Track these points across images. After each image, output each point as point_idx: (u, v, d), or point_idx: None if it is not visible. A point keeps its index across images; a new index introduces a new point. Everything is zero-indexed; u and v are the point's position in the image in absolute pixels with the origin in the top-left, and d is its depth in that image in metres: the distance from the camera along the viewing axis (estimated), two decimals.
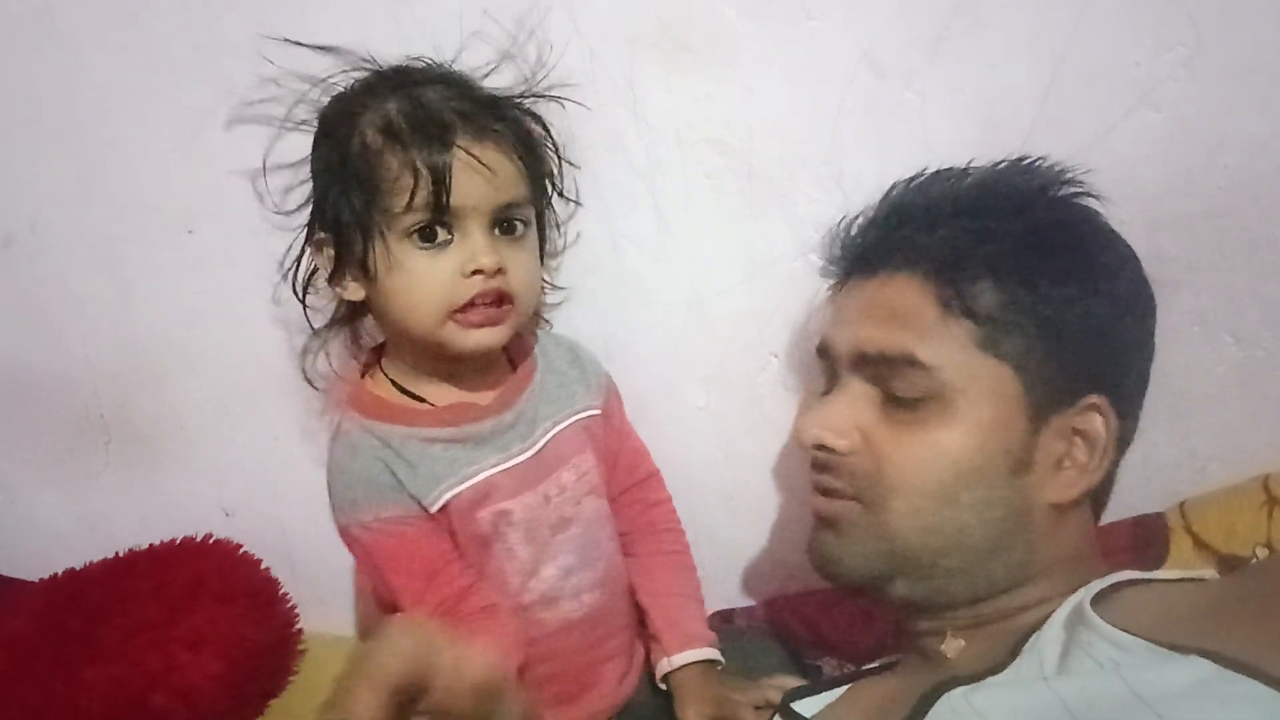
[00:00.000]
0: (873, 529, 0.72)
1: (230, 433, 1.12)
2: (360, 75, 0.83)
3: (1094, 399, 0.71)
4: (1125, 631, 0.58)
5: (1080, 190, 0.76)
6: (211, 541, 1.11)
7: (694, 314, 1.01)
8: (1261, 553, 0.84)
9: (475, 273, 0.77)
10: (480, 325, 0.79)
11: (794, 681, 0.88)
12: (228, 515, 1.15)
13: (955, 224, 0.74)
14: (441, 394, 0.85)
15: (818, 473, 0.76)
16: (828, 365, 0.80)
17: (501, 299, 0.80)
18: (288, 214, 0.89)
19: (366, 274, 0.79)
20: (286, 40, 0.86)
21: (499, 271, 0.78)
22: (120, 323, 1.09)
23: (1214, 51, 0.84)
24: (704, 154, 0.96)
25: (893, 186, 0.82)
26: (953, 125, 0.89)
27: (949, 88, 0.90)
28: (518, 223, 0.81)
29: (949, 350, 0.71)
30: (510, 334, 0.83)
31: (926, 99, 0.90)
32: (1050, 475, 0.71)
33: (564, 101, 0.92)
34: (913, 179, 0.81)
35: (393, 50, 0.86)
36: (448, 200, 0.75)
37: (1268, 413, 0.91)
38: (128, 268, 1.07)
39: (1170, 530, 0.89)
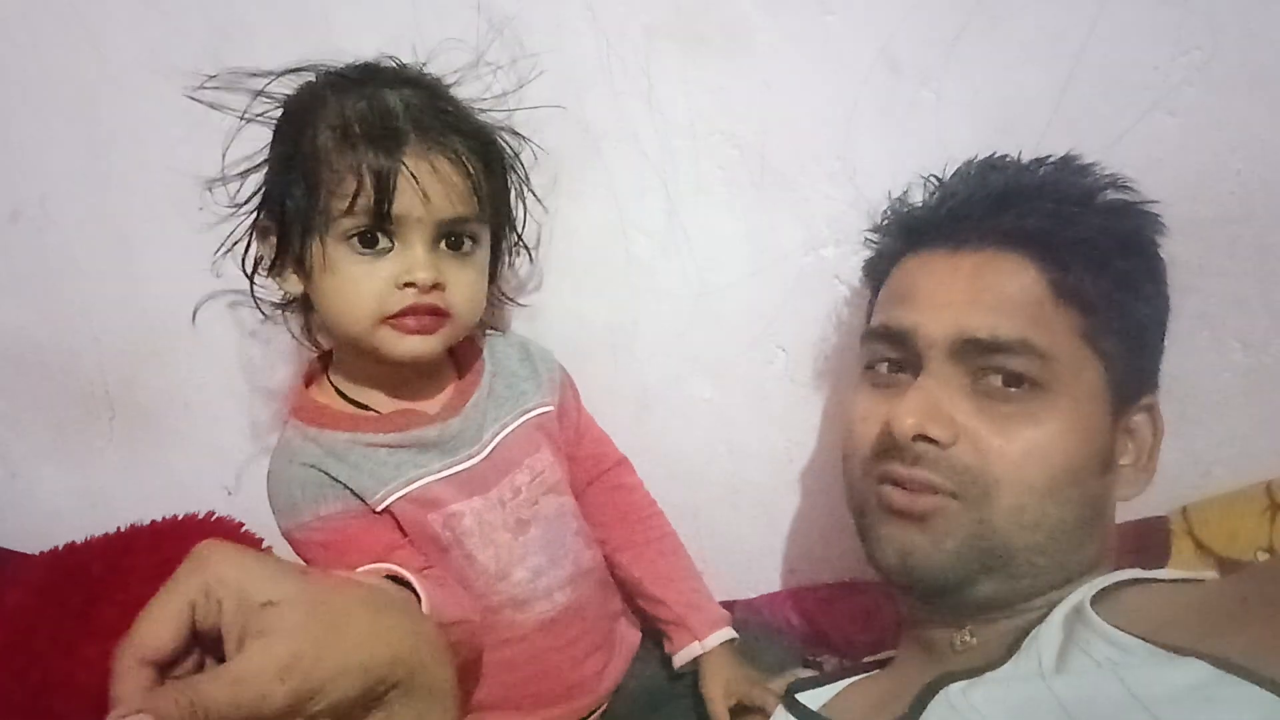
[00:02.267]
0: (971, 527, 0.68)
1: (234, 411, 1.12)
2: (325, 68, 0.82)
3: (1150, 399, 0.74)
4: (1124, 631, 0.58)
5: (1141, 195, 0.77)
6: (213, 519, 1.11)
7: (702, 306, 1.01)
8: (1262, 557, 0.85)
9: (409, 285, 0.76)
10: (414, 332, 0.78)
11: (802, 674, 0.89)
12: (230, 493, 1.15)
13: (1064, 211, 0.73)
14: (386, 402, 0.84)
15: (907, 466, 0.70)
16: (902, 350, 0.75)
17: (436, 313, 0.79)
18: (240, 206, 0.86)
19: (304, 269, 0.78)
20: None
21: (435, 286, 0.77)
22: (127, 299, 1.09)
23: (1231, 56, 0.84)
24: (717, 146, 0.96)
25: (987, 162, 0.80)
26: (967, 124, 0.89)
27: (965, 86, 0.90)
28: (465, 239, 0.80)
29: (1059, 339, 0.69)
30: (445, 344, 0.82)
31: (942, 97, 0.90)
32: (1120, 472, 0.73)
33: (549, 108, 0.92)
34: (999, 159, 0.80)
35: (408, 39, 0.86)
36: (389, 208, 0.74)
37: (1273, 419, 0.92)
38: (136, 244, 1.07)
39: (1172, 533, 0.90)
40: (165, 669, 0.51)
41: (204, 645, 0.53)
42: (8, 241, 1.08)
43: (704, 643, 0.90)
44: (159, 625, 0.51)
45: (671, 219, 0.99)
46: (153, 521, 1.10)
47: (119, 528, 1.09)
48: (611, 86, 0.95)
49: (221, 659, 0.52)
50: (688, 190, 0.98)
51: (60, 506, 1.18)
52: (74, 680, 0.96)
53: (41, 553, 1.09)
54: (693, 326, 1.02)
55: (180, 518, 1.10)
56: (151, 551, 1.06)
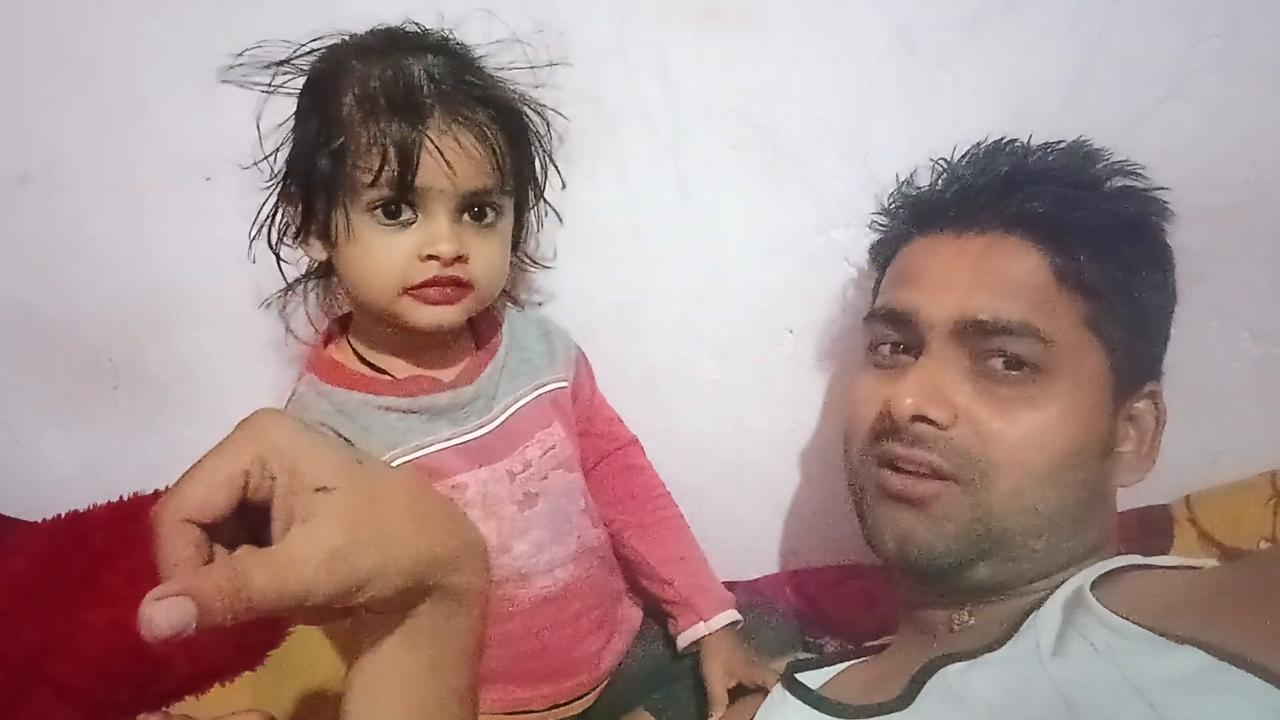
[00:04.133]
0: (970, 510, 0.68)
1: (238, 383, 1.11)
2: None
3: (1153, 386, 0.75)
4: (1123, 618, 0.59)
5: (1150, 182, 0.77)
6: None
7: (711, 286, 1.01)
8: (1264, 547, 0.85)
9: (432, 257, 0.77)
10: (436, 303, 0.79)
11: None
12: None
13: (1070, 196, 0.73)
14: (402, 367, 0.84)
15: (906, 447, 0.70)
16: (905, 332, 0.75)
17: (458, 284, 0.79)
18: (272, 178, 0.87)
19: (329, 237, 0.79)
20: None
21: (458, 259, 0.77)
22: (134, 267, 1.08)
23: (1249, 45, 0.84)
24: (730, 125, 0.95)
25: (995, 145, 0.80)
26: (983, 107, 0.89)
27: (981, 69, 0.90)
28: (488, 210, 0.80)
29: (1062, 324, 0.70)
30: (467, 315, 0.82)
31: (958, 80, 0.90)
32: (1121, 458, 0.73)
33: (574, 81, 0.91)
34: (1007, 143, 0.80)
35: (426, 6, 0.85)
36: (412, 180, 0.74)
37: None
38: (144, 212, 1.06)
39: (1175, 521, 0.90)
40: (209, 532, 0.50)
41: (246, 518, 0.51)
42: (15, 206, 1.07)
43: (709, 623, 0.90)
44: (212, 487, 0.48)
45: (682, 198, 0.98)
46: (156, 491, 1.10)
47: (122, 496, 1.09)
48: (625, 62, 0.95)
49: (256, 535, 0.51)
50: (699, 169, 0.97)
51: (63, 474, 1.17)
52: (76, 646, 0.97)
53: (44, 520, 1.09)
54: (701, 306, 1.02)
55: None
56: None
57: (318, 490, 0.49)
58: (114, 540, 1.03)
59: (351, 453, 0.54)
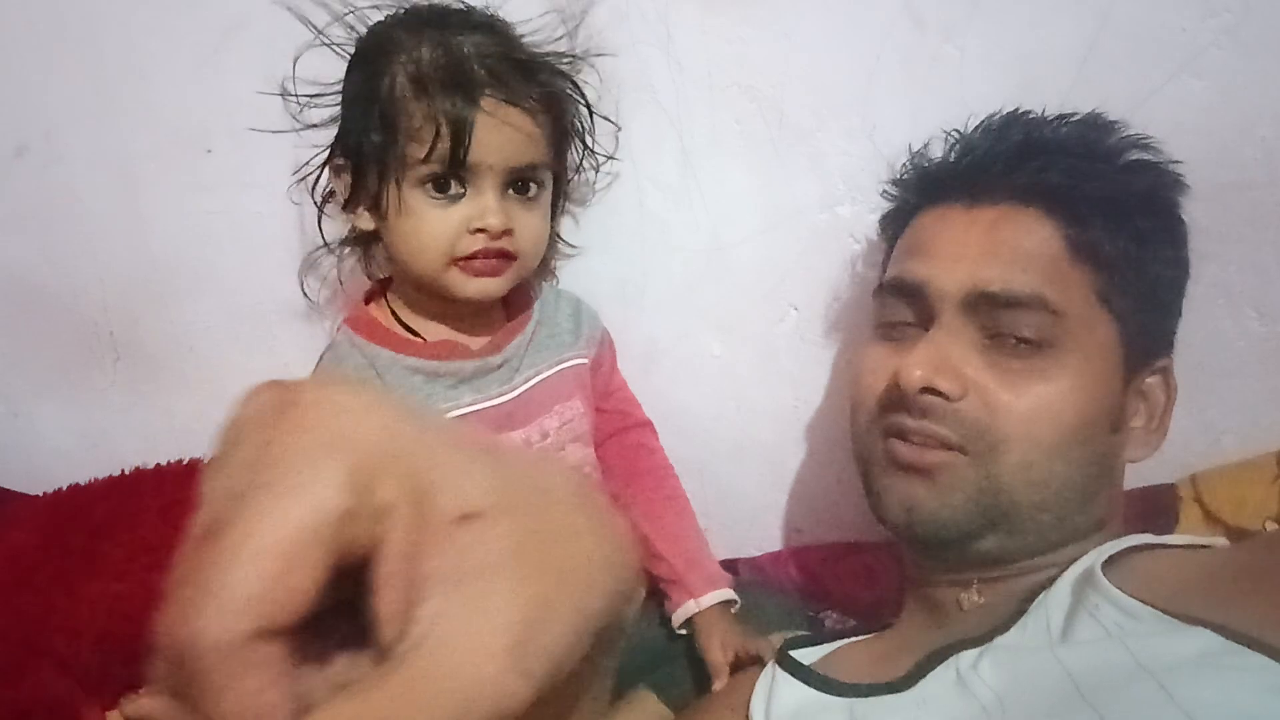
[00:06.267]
0: (978, 482, 0.68)
1: (238, 355, 1.11)
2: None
3: (1164, 361, 0.74)
4: (1134, 598, 0.58)
5: (1165, 156, 0.76)
6: None
7: (714, 261, 1.00)
8: (1271, 526, 0.85)
9: (480, 230, 0.79)
10: (482, 274, 0.82)
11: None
12: None
13: (1084, 168, 0.72)
14: (435, 332, 0.87)
15: (915, 419, 0.70)
16: (915, 303, 0.74)
17: (504, 256, 0.82)
18: (310, 127, 0.88)
19: (378, 209, 0.81)
20: None
21: (505, 232, 0.80)
22: (133, 239, 1.08)
23: (1260, 20, 0.83)
24: (735, 99, 0.95)
25: (1008, 116, 0.80)
26: (990, 81, 0.88)
27: (989, 43, 0.88)
28: (532, 184, 0.83)
29: (1074, 296, 0.69)
30: (510, 285, 0.85)
31: (965, 53, 0.89)
32: (1130, 433, 0.73)
33: (599, 49, 0.91)
34: (1021, 114, 0.80)
35: None
36: (465, 156, 0.77)
37: None
38: (143, 184, 1.06)
39: (1180, 500, 0.90)
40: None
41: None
42: (12, 177, 1.07)
43: (699, 600, 0.91)
44: (290, 557, 0.23)
45: (685, 172, 0.98)
46: (157, 465, 1.10)
47: (122, 470, 1.09)
48: (629, 35, 0.94)
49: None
50: (703, 143, 0.97)
51: (62, 447, 1.17)
52: (75, 619, 0.96)
53: (45, 494, 1.09)
54: (704, 282, 1.01)
55: (186, 462, 1.10)
56: (155, 495, 1.06)
57: (461, 520, 0.25)
58: (114, 514, 1.03)
59: (469, 430, 0.30)
